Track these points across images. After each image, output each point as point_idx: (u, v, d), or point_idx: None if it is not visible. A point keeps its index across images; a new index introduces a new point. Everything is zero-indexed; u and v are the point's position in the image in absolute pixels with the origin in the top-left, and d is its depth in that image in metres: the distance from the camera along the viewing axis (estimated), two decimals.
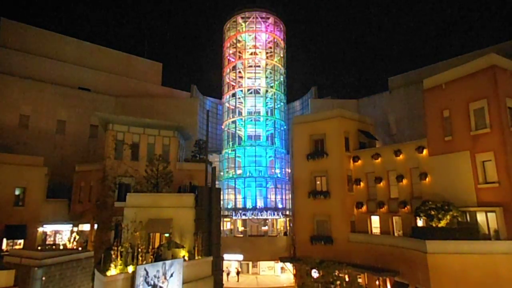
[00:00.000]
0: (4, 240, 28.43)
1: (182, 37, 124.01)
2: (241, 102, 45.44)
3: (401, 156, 28.26)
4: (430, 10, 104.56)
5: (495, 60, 22.30)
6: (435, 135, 25.35)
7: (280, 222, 42.52)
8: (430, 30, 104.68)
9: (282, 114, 46.81)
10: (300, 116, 44.18)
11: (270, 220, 41.79)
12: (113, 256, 17.18)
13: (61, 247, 29.81)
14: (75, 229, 33.28)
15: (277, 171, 43.92)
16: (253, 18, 46.00)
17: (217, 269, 23.02)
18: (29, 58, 42.17)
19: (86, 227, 33.36)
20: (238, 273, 37.49)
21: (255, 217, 39.72)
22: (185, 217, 22.30)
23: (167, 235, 21.78)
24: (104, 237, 29.01)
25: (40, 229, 31.84)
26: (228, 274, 37.33)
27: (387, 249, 25.07)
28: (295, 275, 33.48)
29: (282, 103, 47.03)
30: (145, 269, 17.03)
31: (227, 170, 44.69)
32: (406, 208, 27.04)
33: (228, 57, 47.58)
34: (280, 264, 37.62)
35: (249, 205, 41.13)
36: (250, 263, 40.05)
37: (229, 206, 42.49)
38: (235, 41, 47.35)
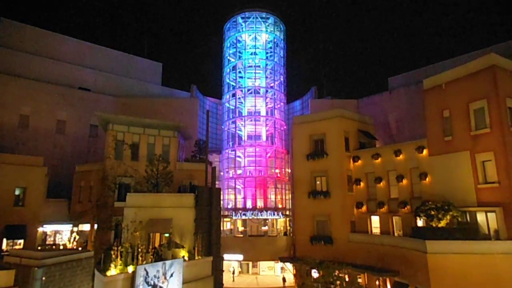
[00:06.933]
0: (4, 240, 28.42)
1: (182, 37, 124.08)
2: (241, 102, 45.42)
3: (401, 156, 28.26)
4: (430, 10, 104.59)
5: (495, 60, 22.30)
6: (435, 135, 25.35)
7: (280, 222, 42.48)
8: (430, 30, 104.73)
9: (282, 114, 46.78)
10: (300, 116, 44.13)
11: (270, 220, 41.77)
12: (113, 256, 17.18)
13: (61, 247, 29.83)
14: (75, 229, 33.29)
15: (277, 171, 43.91)
16: (253, 18, 45.98)
17: (217, 269, 23.01)
18: (29, 58, 42.17)
19: (86, 227, 33.35)
20: (233, 272, 37.48)
21: (255, 217, 39.68)
22: (185, 217, 22.30)
23: (167, 235, 21.77)
24: (104, 237, 29.00)
25: (40, 229, 31.84)
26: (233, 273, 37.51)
27: (387, 249, 25.07)
28: (295, 275, 33.48)
29: (282, 103, 47.01)
30: (145, 269, 17.03)
31: (227, 170, 44.68)
32: (406, 208, 27.04)
33: (228, 57, 47.57)
34: (280, 264, 37.62)
35: (249, 205, 41.12)
36: (250, 263, 40.05)
37: (229, 206, 42.48)
38: (235, 41, 47.33)
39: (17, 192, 29.91)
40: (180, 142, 36.40)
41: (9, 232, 28.54)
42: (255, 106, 45.21)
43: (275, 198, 42.15)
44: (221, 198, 34.67)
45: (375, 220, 30.09)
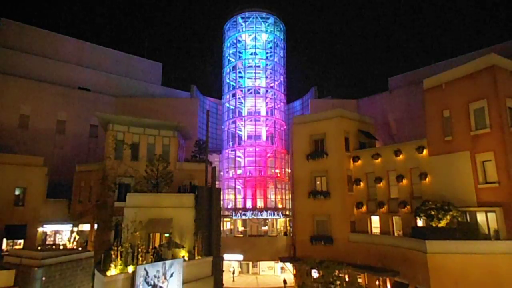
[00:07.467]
0: (4, 240, 28.43)
1: (182, 37, 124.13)
2: (241, 102, 45.44)
3: (401, 156, 28.25)
4: (430, 10, 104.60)
5: (495, 60, 22.30)
6: (435, 135, 25.34)
7: (280, 222, 42.46)
8: (430, 30, 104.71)
9: (282, 114, 46.79)
10: (300, 116, 44.12)
11: (270, 220, 41.76)
12: (113, 256, 17.21)
13: (61, 247, 29.84)
14: (75, 229, 33.30)
15: (277, 171, 43.90)
16: (253, 18, 45.98)
17: (217, 269, 23.02)
18: (29, 58, 42.18)
19: (86, 227, 33.36)
20: (233, 272, 37.51)
21: (255, 217, 39.68)
22: (185, 217, 22.33)
23: (167, 235, 21.80)
24: (104, 237, 29.01)
25: (40, 229, 31.85)
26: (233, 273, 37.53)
27: (387, 249, 25.07)
28: (295, 275, 33.46)
29: (282, 103, 47.01)
30: (145, 269, 17.04)
31: (227, 170, 44.68)
32: (406, 208, 27.03)
33: (228, 57, 47.58)
34: (280, 264, 37.61)
35: (249, 205, 41.12)
36: (250, 263, 40.04)
37: (229, 206, 42.48)
38: (235, 41, 47.33)
39: (17, 192, 29.92)
40: (180, 142, 36.40)
41: (9, 232, 28.55)
42: (255, 106, 45.21)
43: (275, 198, 42.15)
44: (221, 198, 34.67)
45: (375, 220, 30.07)
